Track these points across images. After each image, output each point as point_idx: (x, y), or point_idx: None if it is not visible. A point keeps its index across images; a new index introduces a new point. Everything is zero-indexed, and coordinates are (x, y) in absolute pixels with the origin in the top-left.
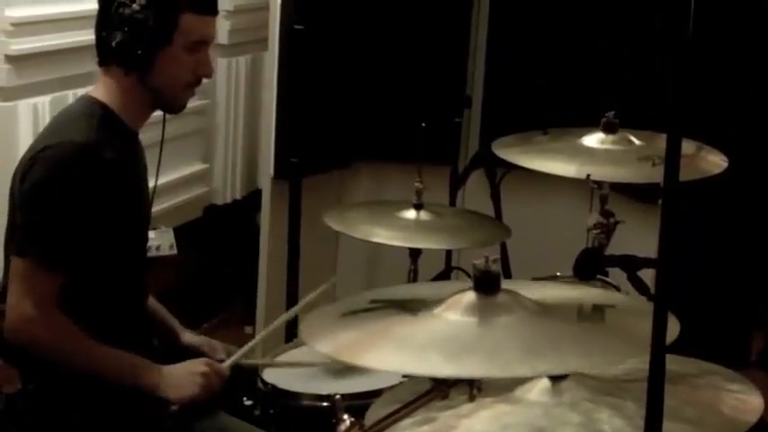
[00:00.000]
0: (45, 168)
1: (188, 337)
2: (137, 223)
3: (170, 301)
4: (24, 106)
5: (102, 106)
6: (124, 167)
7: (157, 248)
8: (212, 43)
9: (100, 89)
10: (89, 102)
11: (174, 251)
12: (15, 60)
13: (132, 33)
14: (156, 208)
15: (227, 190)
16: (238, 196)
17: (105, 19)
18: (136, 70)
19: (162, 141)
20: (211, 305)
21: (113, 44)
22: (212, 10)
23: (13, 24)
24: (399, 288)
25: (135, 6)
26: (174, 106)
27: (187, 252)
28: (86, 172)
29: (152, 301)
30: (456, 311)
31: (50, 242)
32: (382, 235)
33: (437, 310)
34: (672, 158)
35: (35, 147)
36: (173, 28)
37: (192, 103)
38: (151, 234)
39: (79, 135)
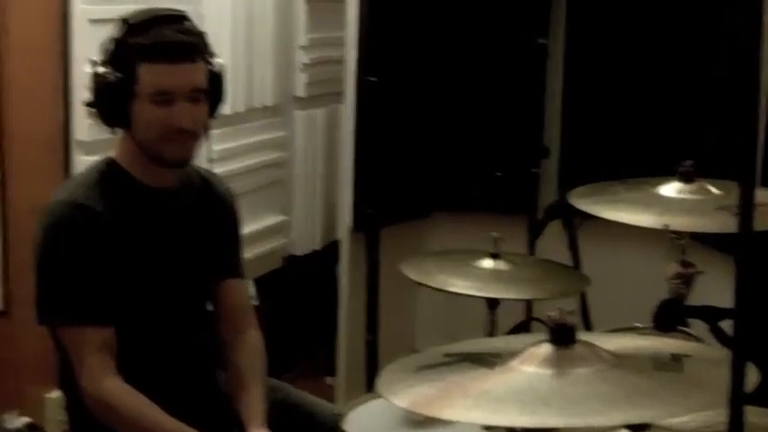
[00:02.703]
0: (39, 232)
1: None
2: (156, 277)
3: None
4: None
5: (111, 163)
6: (121, 223)
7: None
8: (186, 92)
9: (115, 148)
10: (102, 161)
11: (255, 302)
12: None
13: (99, 90)
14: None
15: (307, 241)
16: (317, 247)
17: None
18: (119, 126)
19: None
20: (292, 355)
21: (92, 107)
22: (170, 58)
23: None
24: (473, 342)
25: (98, 65)
26: (162, 160)
27: (267, 302)
28: (72, 228)
29: (246, 372)
30: (532, 364)
31: (62, 299)
32: (459, 285)
33: (513, 363)
34: (745, 207)
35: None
36: (132, 81)
37: (270, 156)
38: None
39: (65, 194)
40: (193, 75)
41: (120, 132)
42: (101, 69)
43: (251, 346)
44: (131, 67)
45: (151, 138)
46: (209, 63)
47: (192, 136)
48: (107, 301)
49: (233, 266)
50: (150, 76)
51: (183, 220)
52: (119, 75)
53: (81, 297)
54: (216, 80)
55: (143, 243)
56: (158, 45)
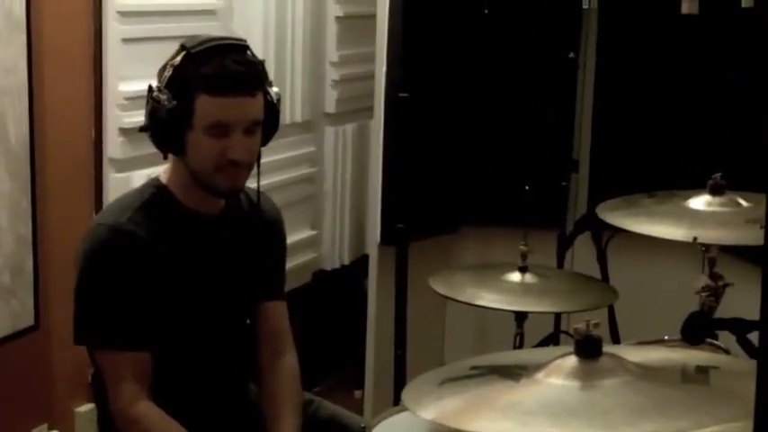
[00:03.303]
0: (81, 255)
1: None
2: (197, 302)
3: None
4: (138, 177)
5: (160, 186)
6: (164, 248)
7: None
8: (243, 125)
9: (165, 172)
10: (149, 183)
11: None
12: (129, 133)
13: (155, 117)
14: None
15: (336, 255)
16: (346, 261)
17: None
18: (172, 153)
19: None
20: (321, 369)
21: (146, 130)
22: (229, 91)
23: (127, 98)
24: (499, 354)
25: (157, 91)
26: (214, 189)
27: (297, 317)
28: (113, 253)
29: (282, 395)
30: (558, 376)
31: (101, 323)
32: (487, 298)
33: (539, 375)
34: None
35: (84, 234)
36: (190, 110)
37: (301, 171)
38: None
39: (110, 217)
40: (251, 108)
41: (171, 158)
42: (158, 95)
43: (288, 371)
44: (190, 96)
45: (205, 167)
46: (267, 93)
47: (245, 168)
48: (143, 326)
49: (276, 288)
50: (208, 107)
51: (229, 246)
52: (175, 103)
53: (117, 322)
54: (272, 110)
55: (185, 269)
56: (219, 77)
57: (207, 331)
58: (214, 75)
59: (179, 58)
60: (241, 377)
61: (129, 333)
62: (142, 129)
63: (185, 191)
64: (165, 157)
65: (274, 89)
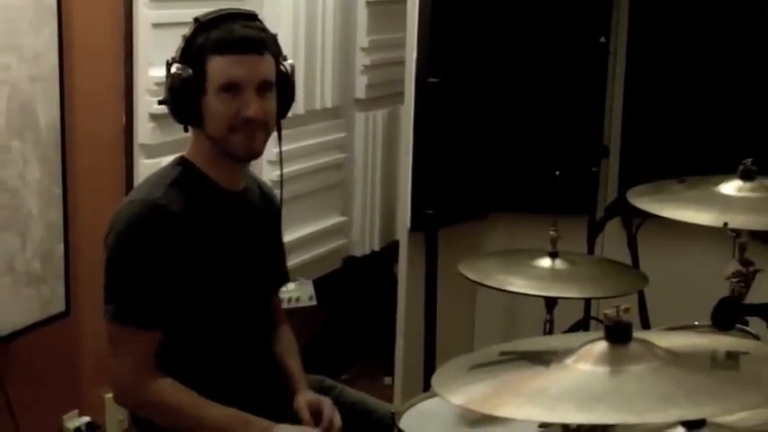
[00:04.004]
0: (115, 231)
1: (300, 400)
2: (226, 276)
3: (309, 352)
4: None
5: (186, 163)
6: (196, 223)
7: (297, 300)
8: (255, 84)
9: (188, 148)
10: (176, 160)
11: (314, 302)
12: (159, 119)
13: (171, 87)
14: (296, 260)
15: (366, 242)
16: (376, 247)
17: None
18: (192, 124)
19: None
20: (351, 355)
21: (166, 103)
22: (238, 49)
23: (157, 84)
24: (528, 340)
25: (172, 64)
26: (232, 153)
27: (326, 303)
28: (149, 228)
29: (286, 351)
30: (588, 362)
31: (132, 300)
32: (517, 284)
33: (569, 361)
34: None
35: (115, 211)
36: (203, 75)
37: (330, 158)
38: (291, 286)
39: (143, 194)
40: (261, 67)
41: (191, 132)
42: (173, 67)
43: (286, 336)
44: (201, 61)
45: (220, 130)
46: (280, 62)
47: (260, 128)
48: (170, 304)
49: (285, 271)
50: (218, 67)
51: (251, 222)
52: (189, 71)
53: (145, 298)
54: (285, 78)
55: (217, 243)
56: (226, 38)
57: (236, 304)
58: (222, 37)
59: (191, 30)
60: (269, 362)
61: (155, 311)
62: (161, 101)
63: (209, 165)
64: (186, 130)
65: (289, 61)
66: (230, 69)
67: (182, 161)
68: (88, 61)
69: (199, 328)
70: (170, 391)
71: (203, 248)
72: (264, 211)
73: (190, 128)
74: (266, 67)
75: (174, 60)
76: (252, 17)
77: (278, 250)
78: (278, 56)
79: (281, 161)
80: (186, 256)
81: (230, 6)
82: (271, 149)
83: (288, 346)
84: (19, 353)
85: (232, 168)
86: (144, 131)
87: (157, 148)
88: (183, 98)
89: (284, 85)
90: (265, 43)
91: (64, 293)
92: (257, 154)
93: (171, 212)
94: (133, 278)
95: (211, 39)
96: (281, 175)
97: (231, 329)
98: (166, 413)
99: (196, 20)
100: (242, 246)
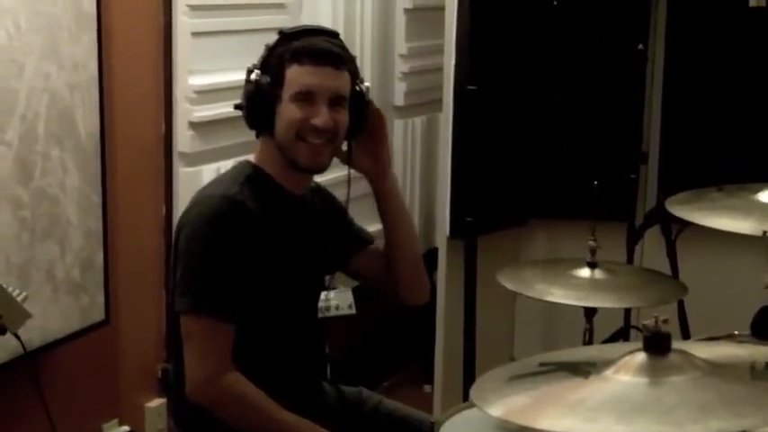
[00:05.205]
0: (193, 223)
1: None
2: (288, 277)
3: (349, 360)
4: (208, 172)
5: (254, 167)
6: (268, 222)
7: (337, 308)
8: (328, 95)
9: (256, 153)
10: (242, 163)
11: (353, 310)
12: (198, 127)
13: (247, 94)
14: None
15: None
16: None
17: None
18: (264, 132)
19: (347, 199)
20: (390, 364)
21: (242, 110)
22: (317, 60)
23: (197, 92)
24: (567, 351)
25: (252, 72)
26: (297, 162)
27: (366, 311)
28: (230, 221)
29: None
30: (627, 372)
31: (210, 292)
32: (556, 294)
33: (608, 372)
34: None
35: (186, 208)
36: (279, 83)
37: None
38: (330, 294)
39: (221, 190)
40: (336, 80)
41: (260, 139)
42: (252, 74)
43: None
44: (280, 69)
45: (288, 136)
46: (356, 82)
47: (326, 139)
48: (242, 299)
49: (361, 237)
50: (295, 75)
51: (314, 226)
52: (267, 78)
53: (225, 291)
54: (359, 97)
55: (282, 243)
56: (307, 48)
57: (291, 311)
58: (302, 47)
59: (275, 40)
60: (317, 371)
61: (233, 304)
62: (237, 106)
63: (275, 169)
64: (258, 136)
65: (365, 84)
66: (306, 78)
67: (249, 164)
68: (127, 69)
69: (258, 327)
70: (251, 388)
71: (272, 247)
72: (327, 213)
73: (260, 135)
74: (341, 81)
75: (254, 67)
76: (334, 35)
77: (345, 231)
78: (355, 75)
79: (348, 176)
80: (258, 253)
81: (274, 18)
82: None
83: None
84: (58, 361)
85: (293, 174)
86: (183, 140)
87: (196, 157)
88: (258, 104)
89: (357, 105)
90: (343, 59)
91: (104, 302)
92: (322, 167)
93: (248, 209)
94: (212, 270)
95: (292, 48)
96: (349, 179)
97: (287, 329)
98: (247, 410)
99: (280, 31)
100: (304, 248)
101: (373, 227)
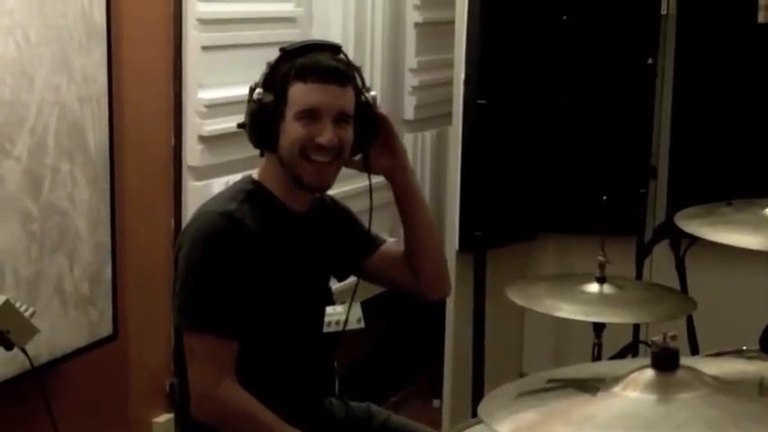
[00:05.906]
0: (190, 239)
1: None
2: (289, 294)
3: (358, 375)
4: (217, 185)
5: (256, 183)
6: (266, 239)
7: (345, 323)
8: (333, 113)
9: (259, 169)
10: (244, 180)
11: (362, 325)
12: (208, 140)
13: (250, 111)
14: (344, 282)
15: None
16: None
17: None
18: (267, 149)
19: (371, 207)
20: (399, 378)
21: (245, 127)
22: (320, 78)
23: (206, 106)
24: (575, 367)
25: (255, 90)
26: (301, 180)
27: (374, 325)
28: (227, 238)
29: None
30: (635, 389)
31: (211, 308)
32: (565, 309)
33: (616, 389)
34: None
35: (187, 224)
36: (283, 101)
37: (379, 178)
38: (338, 308)
39: (219, 206)
40: (341, 98)
41: (264, 156)
42: (255, 93)
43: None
44: (283, 88)
45: (293, 154)
46: (362, 93)
47: (331, 158)
48: (242, 314)
49: (371, 240)
50: (299, 93)
51: (316, 244)
52: (270, 96)
53: (223, 307)
54: (364, 108)
55: (282, 261)
56: (310, 66)
57: (293, 327)
58: (305, 64)
59: (277, 58)
60: (321, 386)
61: (233, 319)
62: (240, 125)
63: (278, 186)
64: (262, 155)
65: (372, 93)
66: (310, 97)
67: (251, 180)
68: (138, 83)
69: (260, 342)
70: (254, 404)
71: (269, 264)
72: (333, 225)
73: (264, 152)
74: (346, 99)
75: (256, 86)
76: (336, 49)
77: (354, 239)
78: (360, 87)
79: (370, 186)
80: (256, 270)
81: (284, 32)
82: None
83: None
84: (66, 376)
85: (296, 192)
86: (193, 153)
87: (206, 170)
88: (261, 123)
89: (363, 115)
90: (348, 76)
91: (112, 316)
92: (326, 185)
93: (246, 226)
94: (212, 286)
95: (296, 66)
96: (371, 188)
97: (289, 344)
98: (250, 426)
99: (282, 49)
100: (304, 264)
101: (395, 236)
